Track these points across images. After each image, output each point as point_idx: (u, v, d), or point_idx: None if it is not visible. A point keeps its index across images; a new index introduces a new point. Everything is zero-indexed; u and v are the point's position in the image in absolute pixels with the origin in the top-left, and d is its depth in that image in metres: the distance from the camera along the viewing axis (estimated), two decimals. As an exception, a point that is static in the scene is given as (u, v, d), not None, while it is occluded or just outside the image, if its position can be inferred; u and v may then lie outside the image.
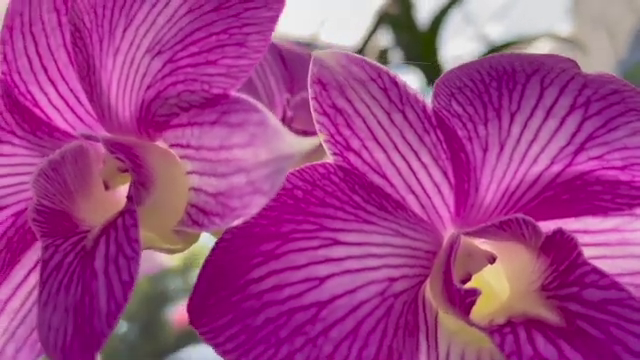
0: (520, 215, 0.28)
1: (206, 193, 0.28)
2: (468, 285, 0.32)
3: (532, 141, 0.31)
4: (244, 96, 0.26)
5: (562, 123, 0.31)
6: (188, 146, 0.28)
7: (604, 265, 0.30)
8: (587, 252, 0.31)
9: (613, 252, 0.30)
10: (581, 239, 0.31)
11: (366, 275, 0.28)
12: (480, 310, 0.30)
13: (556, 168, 0.31)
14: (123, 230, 0.27)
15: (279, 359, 0.26)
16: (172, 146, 0.30)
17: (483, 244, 0.33)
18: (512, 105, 0.31)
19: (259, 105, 0.25)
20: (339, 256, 0.28)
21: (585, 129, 0.31)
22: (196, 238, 0.34)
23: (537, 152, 0.31)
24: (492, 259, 0.31)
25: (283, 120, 0.42)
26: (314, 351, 0.26)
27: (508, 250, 0.32)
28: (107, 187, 0.33)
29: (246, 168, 0.25)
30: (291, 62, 0.46)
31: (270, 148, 0.24)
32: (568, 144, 0.30)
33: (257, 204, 0.24)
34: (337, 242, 0.29)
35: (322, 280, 0.28)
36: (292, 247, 0.28)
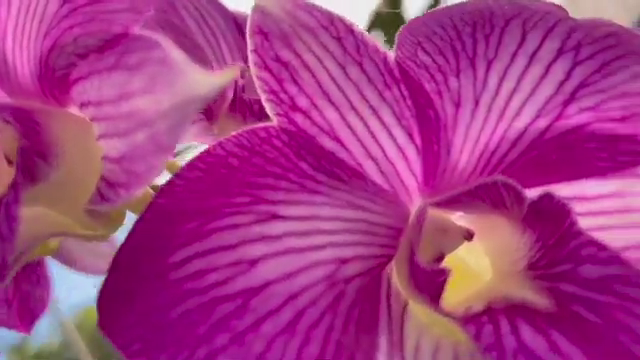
0: (498, 177, 0.23)
1: (111, 160, 0.22)
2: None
3: (513, 92, 0.26)
4: (146, 32, 0.21)
5: (548, 70, 0.26)
6: (89, 103, 0.23)
7: (605, 238, 0.25)
8: (583, 223, 0.25)
9: (614, 221, 0.25)
10: (576, 207, 0.26)
11: (310, 255, 0.23)
12: (458, 296, 0.25)
13: (542, 122, 0.25)
14: (3, 208, 0.21)
15: None
16: (81, 108, 0.25)
17: (460, 219, 0.28)
18: (489, 52, 0.26)
19: (161, 40, 0.20)
20: (277, 233, 0.23)
21: (576, 75, 0.25)
22: (119, 221, 0.29)
23: (519, 105, 0.26)
24: (469, 235, 0.26)
25: (235, 90, 0.37)
26: (241, 351, 0.21)
27: (489, 225, 0.27)
28: (9, 162, 0.27)
29: (148, 120, 0.20)
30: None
31: (173, 92, 0.19)
32: (556, 93, 0.25)
33: (161, 165, 0.19)
34: (276, 216, 0.23)
35: (254, 263, 0.22)
36: (220, 224, 0.23)
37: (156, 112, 0.19)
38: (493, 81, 0.26)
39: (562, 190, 0.26)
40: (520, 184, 0.24)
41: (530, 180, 0.26)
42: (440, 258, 0.26)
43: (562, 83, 0.25)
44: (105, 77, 0.22)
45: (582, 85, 0.25)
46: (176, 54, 0.19)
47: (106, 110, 0.22)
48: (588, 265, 0.22)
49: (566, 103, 0.25)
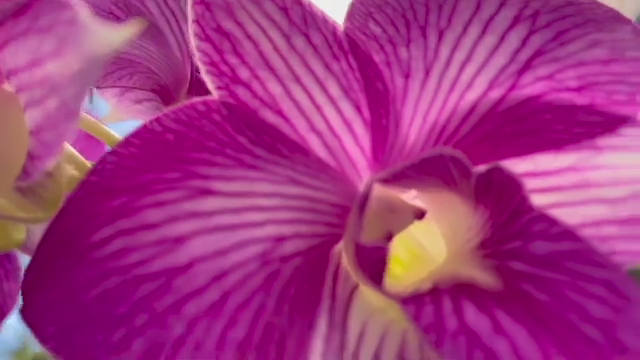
0: (443, 148, 0.22)
1: (30, 132, 0.21)
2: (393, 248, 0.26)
3: (465, 62, 0.24)
4: (58, -8, 0.19)
5: (503, 38, 0.24)
6: (11, 72, 0.22)
7: (562, 214, 0.23)
8: (539, 200, 0.24)
9: (571, 197, 0.23)
10: (531, 183, 0.24)
11: (242, 233, 0.21)
12: (412, 279, 0.23)
13: (496, 93, 0.24)
14: None
15: (110, 347, 0.19)
16: (7, 79, 0.24)
17: (415, 200, 0.26)
18: (441, 21, 0.25)
19: (71, 0, 0.18)
20: (209, 209, 0.21)
21: (532, 44, 0.24)
22: (55, 202, 0.27)
23: (471, 75, 0.24)
24: (420, 214, 0.25)
25: (191, 71, 0.35)
26: (160, 333, 0.19)
27: (443, 204, 0.25)
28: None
29: (58, 86, 0.18)
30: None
31: (80, 53, 0.17)
32: (510, 62, 0.24)
33: (69, 132, 0.18)
34: (208, 192, 0.22)
35: (181, 240, 0.21)
36: (148, 201, 0.22)
37: (65, 76, 0.18)
38: (445, 51, 0.24)
39: (517, 165, 0.24)
40: (475, 160, 0.23)
41: (484, 155, 0.24)
42: (388, 238, 0.24)
43: (517, 52, 0.24)
44: (20, 43, 0.20)
45: (538, 53, 0.24)
46: (86, 14, 0.18)
47: (23, 78, 0.21)
48: (539, 241, 0.20)
49: (520, 72, 0.24)
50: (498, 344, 0.19)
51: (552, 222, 0.21)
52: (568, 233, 0.20)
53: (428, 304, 0.20)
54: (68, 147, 0.29)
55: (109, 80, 0.31)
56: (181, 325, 0.20)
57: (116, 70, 0.32)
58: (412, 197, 0.26)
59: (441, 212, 0.25)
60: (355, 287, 0.24)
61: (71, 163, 0.29)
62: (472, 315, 0.20)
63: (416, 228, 0.26)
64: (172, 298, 0.20)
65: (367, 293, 0.24)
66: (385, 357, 0.22)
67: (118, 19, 0.37)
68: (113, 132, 0.30)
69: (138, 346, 0.19)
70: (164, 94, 0.36)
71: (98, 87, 0.32)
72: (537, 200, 0.24)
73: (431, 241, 0.26)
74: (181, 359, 0.19)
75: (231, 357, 0.20)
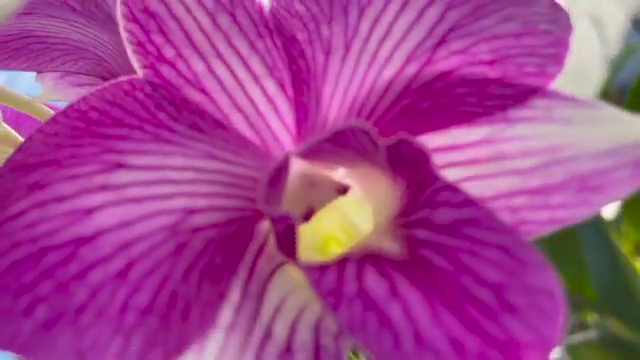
0: (353, 122, 0.22)
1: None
2: (323, 224, 0.26)
3: (384, 38, 0.25)
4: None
5: (421, 14, 0.24)
6: None
7: (476, 187, 0.24)
8: (456, 173, 0.24)
9: (486, 170, 0.24)
10: (448, 157, 0.25)
11: (152, 205, 0.22)
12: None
13: (412, 68, 0.24)
14: None
15: (15, 314, 0.20)
16: None
17: (343, 176, 0.26)
18: None
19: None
20: (120, 182, 0.22)
21: (448, 18, 0.24)
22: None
23: (390, 51, 0.25)
24: (343, 189, 0.25)
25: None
26: (63, 300, 0.20)
27: (368, 179, 0.25)
28: None
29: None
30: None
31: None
32: (427, 37, 0.24)
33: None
34: (121, 166, 0.22)
35: (90, 211, 0.21)
36: (62, 174, 0.22)
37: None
38: (364, 27, 0.25)
39: (434, 139, 0.24)
40: (394, 134, 0.23)
41: (405, 130, 0.24)
42: (309, 213, 0.25)
43: (434, 27, 0.24)
44: None
45: (453, 28, 0.24)
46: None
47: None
48: (442, 209, 0.21)
49: (436, 46, 0.24)
50: (392, 307, 0.19)
51: (455, 191, 0.21)
52: (469, 201, 0.20)
53: (332, 271, 0.20)
54: (5, 128, 0.29)
55: (52, 65, 0.32)
56: (84, 292, 0.20)
57: (60, 55, 0.33)
58: (340, 175, 0.27)
59: (368, 188, 0.26)
60: (280, 264, 0.24)
61: (9, 144, 0.30)
62: (372, 281, 0.20)
63: (350, 207, 0.27)
64: (77, 267, 0.20)
65: (291, 270, 0.24)
66: (301, 328, 0.23)
67: (73, 9, 0.38)
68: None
69: (41, 313, 0.20)
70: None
71: (39, 71, 0.33)
72: (454, 173, 0.24)
73: (364, 218, 0.27)
74: (82, 324, 0.20)
75: (132, 323, 0.20)
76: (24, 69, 0.32)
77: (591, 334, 1.00)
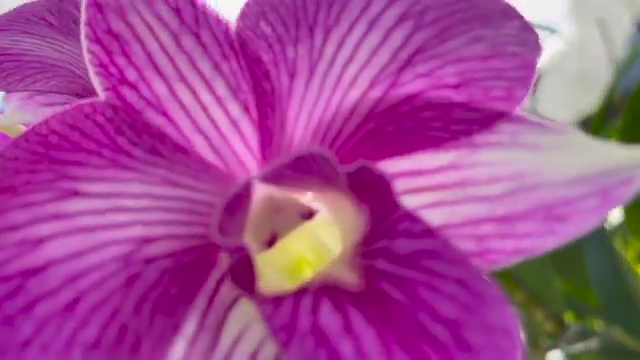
0: (312, 147, 0.21)
1: None
2: (293, 245, 0.26)
3: (349, 61, 0.24)
4: None
5: (387, 37, 0.24)
6: None
7: (442, 214, 0.23)
8: (421, 199, 0.24)
9: (451, 196, 0.23)
10: (415, 183, 0.24)
11: (105, 234, 0.21)
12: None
13: (377, 92, 0.24)
14: None
15: None
16: None
17: (313, 201, 0.26)
18: (329, 20, 0.24)
19: None
20: (72, 211, 0.21)
21: (414, 41, 0.24)
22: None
23: (354, 74, 0.24)
24: (308, 214, 0.24)
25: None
26: (8, 334, 0.19)
27: (335, 204, 0.25)
28: None
29: None
30: None
31: None
32: (391, 61, 0.24)
33: None
34: (75, 193, 0.22)
35: (39, 242, 0.21)
36: (16, 202, 0.21)
37: None
38: (330, 50, 0.24)
39: (400, 164, 0.24)
40: (360, 159, 0.23)
41: (370, 154, 0.24)
42: (272, 239, 0.24)
43: (399, 50, 0.24)
44: None
45: (419, 51, 0.23)
46: None
47: None
48: (402, 240, 0.20)
49: (401, 70, 0.23)
50: (344, 345, 0.18)
51: (415, 220, 0.20)
52: (429, 231, 0.20)
53: (287, 305, 0.20)
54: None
55: (22, 84, 0.32)
56: (30, 326, 0.19)
57: (32, 74, 0.32)
58: (309, 198, 0.26)
59: (335, 212, 0.25)
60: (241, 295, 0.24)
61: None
62: (326, 315, 0.19)
63: (320, 228, 0.26)
64: (23, 300, 0.20)
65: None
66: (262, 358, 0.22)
67: (51, 25, 0.37)
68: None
69: (-16, 347, 0.19)
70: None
71: (8, 91, 0.32)
72: (420, 199, 0.24)
73: (334, 240, 0.26)
74: (27, 359, 0.19)
75: (79, 358, 0.20)
76: (-7, 89, 0.32)
77: (593, 342, 1.00)
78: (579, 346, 1.00)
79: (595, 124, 1.22)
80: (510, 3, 0.25)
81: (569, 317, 1.16)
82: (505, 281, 1.10)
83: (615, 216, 1.15)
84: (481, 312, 0.18)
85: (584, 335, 1.03)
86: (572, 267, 1.11)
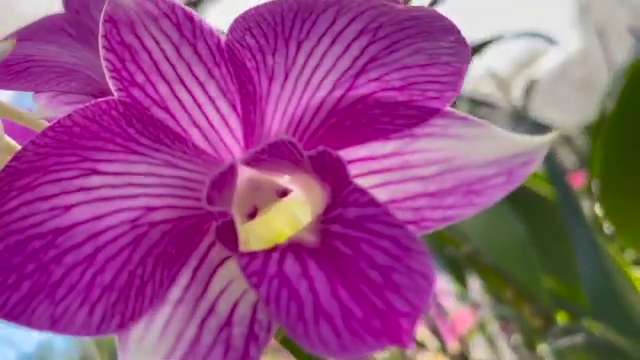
0: (282, 136, 0.27)
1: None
2: (274, 221, 0.31)
3: (316, 68, 0.30)
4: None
5: (347, 48, 0.29)
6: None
7: (388, 191, 0.29)
8: (373, 180, 0.29)
9: (396, 177, 0.29)
10: (369, 166, 0.30)
11: (118, 203, 0.27)
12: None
13: (338, 93, 0.29)
14: None
15: (8, 285, 0.25)
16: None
17: (288, 183, 0.31)
18: (301, 34, 0.30)
19: None
20: (93, 185, 0.27)
21: (368, 52, 0.29)
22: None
23: (320, 78, 0.30)
24: (283, 192, 0.30)
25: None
26: (43, 276, 0.25)
27: (306, 184, 0.30)
28: None
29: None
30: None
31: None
32: (349, 68, 0.29)
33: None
34: (95, 172, 0.27)
35: (67, 208, 0.26)
36: (48, 178, 0.27)
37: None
38: (301, 59, 0.30)
39: (358, 152, 0.29)
40: (327, 147, 0.28)
41: (334, 143, 0.29)
42: (253, 212, 0.30)
43: (356, 59, 0.29)
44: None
45: (371, 60, 0.29)
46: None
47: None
48: (351, 208, 0.26)
49: (357, 75, 0.29)
50: (301, 284, 0.24)
51: (363, 193, 0.26)
52: (372, 201, 0.25)
53: (259, 257, 0.25)
54: (7, 139, 0.34)
55: (47, 85, 0.37)
56: (60, 271, 0.25)
57: (55, 77, 0.38)
58: (285, 181, 0.32)
59: (306, 191, 0.31)
60: (228, 257, 0.29)
61: (10, 153, 0.35)
62: (289, 264, 0.25)
63: (296, 207, 0.32)
64: (55, 252, 0.26)
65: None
66: (242, 305, 0.28)
67: (70, 35, 0.43)
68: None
69: (25, 287, 0.25)
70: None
71: (36, 91, 0.38)
72: (372, 180, 0.29)
73: (307, 216, 0.32)
74: (57, 296, 0.25)
75: (97, 295, 0.25)
76: (23, 90, 0.37)
77: (578, 338, 1.04)
78: (565, 340, 1.04)
79: (594, 130, 1.26)
80: (451, 20, 0.30)
81: (560, 316, 1.19)
82: (494, 278, 1.15)
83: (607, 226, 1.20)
84: (407, 261, 0.24)
85: (571, 331, 1.07)
86: (563, 268, 1.15)
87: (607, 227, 1.22)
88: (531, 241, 1.13)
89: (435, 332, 1.25)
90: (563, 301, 1.18)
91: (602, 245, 1.09)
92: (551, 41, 1.61)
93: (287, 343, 0.36)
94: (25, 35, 0.42)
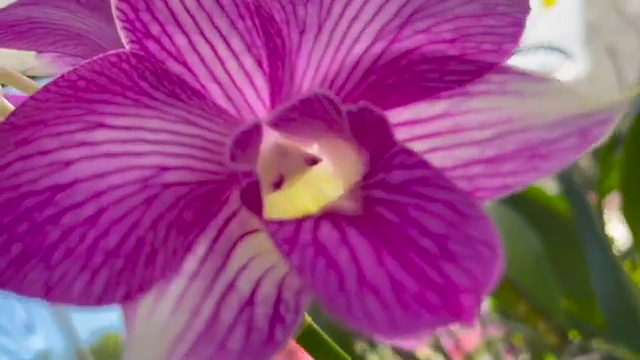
0: (317, 90, 0.23)
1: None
2: (298, 197, 0.28)
3: (354, 18, 0.26)
4: None
5: (391, -4, 0.26)
6: None
7: (438, 158, 0.25)
8: (420, 145, 0.26)
9: (446, 142, 0.25)
10: (413, 131, 0.26)
11: (127, 160, 0.23)
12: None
13: (379, 47, 0.26)
14: None
15: None
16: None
17: (318, 153, 0.28)
18: None
19: None
20: (98, 140, 0.24)
21: (415, 1, 0.26)
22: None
23: (359, 30, 0.26)
24: (312, 160, 0.26)
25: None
26: (37, 238, 0.21)
27: (338, 153, 0.27)
28: None
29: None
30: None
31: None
32: (394, 18, 0.26)
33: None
34: (101, 125, 0.24)
35: (68, 163, 0.23)
36: (47, 132, 0.24)
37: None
38: (337, 9, 0.26)
39: (401, 114, 0.26)
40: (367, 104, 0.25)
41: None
42: (279, 180, 0.26)
43: (401, 7, 0.26)
44: None
45: (419, 9, 0.26)
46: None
47: None
48: (396, 171, 0.22)
49: (402, 26, 0.25)
50: (340, 253, 0.20)
51: (409, 154, 0.22)
52: (421, 162, 0.22)
53: (290, 224, 0.22)
54: (3, 101, 0.31)
55: (52, 47, 0.34)
56: (56, 233, 0.22)
57: (61, 40, 0.34)
58: (314, 150, 0.28)
59: (338, 162, 0.27)
60: (251, 231, 0.26)
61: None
62: (325, 231, 0.21)
63: (323, 181, 0.28)
64: (52, 210, 0.22)
65: (261, 237, 0.26)
66: (266, 284, 0.24)
67: (78, 2, 0.40)
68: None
69: (15, 250, 0.21)
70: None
71: (40, 52, 0.35)
72: (418, 146, 0.26)
73: (336, 192, 0.28)
74: (52, 261, 0.21)
75: (99, 262, 0.22)
76: (26, 49, 0.34)
77: (594, 357, 1.00)
78: (581, 359, 1.01)
79: (604, 151, 1.23)
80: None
81: (573, 335, 1.16)
82: (509, 293, 1.11)
83: (624, 241, 1.17)
84: (464, 227, 0.20)
85: (587, 350, 1.04)
86: (577, 283, 1.12)
87: (622, 244, 1.19)
88: (546, 258, 1.10)
89: (440, 350, 1.21)
90: (578, 320, 1.15)
91: (618, 262, 1.06)
92: (567, 54, 1.58)
93: (305, 341, 0.32)
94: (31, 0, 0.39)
